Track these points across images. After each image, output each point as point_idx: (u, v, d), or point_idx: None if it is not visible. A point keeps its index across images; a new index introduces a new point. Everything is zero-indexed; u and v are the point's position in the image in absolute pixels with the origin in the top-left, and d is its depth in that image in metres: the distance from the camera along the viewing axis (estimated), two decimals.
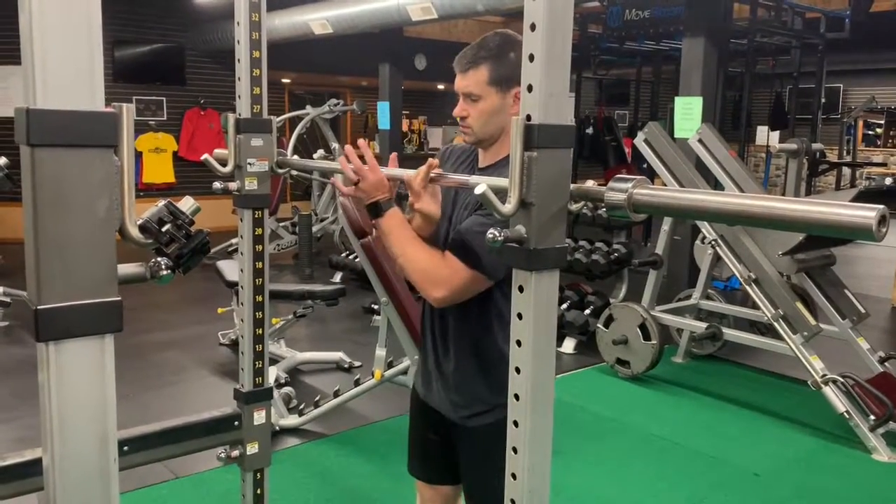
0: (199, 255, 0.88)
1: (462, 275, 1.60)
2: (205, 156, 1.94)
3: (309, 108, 7.67)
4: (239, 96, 2.00)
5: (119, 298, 0.81)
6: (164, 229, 0.87)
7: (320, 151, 8.37)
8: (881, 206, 0.82)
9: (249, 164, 1.98)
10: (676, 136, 5.24)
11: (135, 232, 0.82)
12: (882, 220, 0.83)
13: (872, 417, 3.55)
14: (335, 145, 7.52)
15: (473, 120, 1.64)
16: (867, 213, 0.84)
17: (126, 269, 0.84)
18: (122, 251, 0.91)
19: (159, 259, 0.84)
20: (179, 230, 0.87)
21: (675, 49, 8.08)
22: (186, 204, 0.90)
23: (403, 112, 10.81)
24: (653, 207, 1.11)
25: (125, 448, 1.91)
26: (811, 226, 0.93)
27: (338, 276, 6.76)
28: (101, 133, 0.79)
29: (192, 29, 9.37)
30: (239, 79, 1.99)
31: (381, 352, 3.38)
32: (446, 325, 1.77)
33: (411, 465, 2.03)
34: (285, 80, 11.12)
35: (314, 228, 7.64)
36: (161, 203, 0.89)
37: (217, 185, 1.96)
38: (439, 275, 1.61)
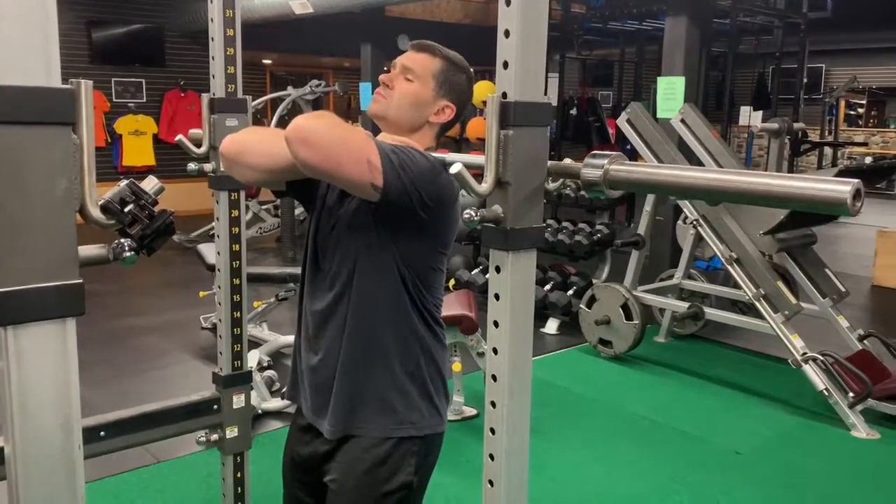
0: (164, 235, 0.85)
1: (369, 147, 1.33)
2: (179, 136, 1.91)
3: (290, 90, 7.59)
4: (213, 75, 1.96)
5: (80, 281, 0.79)
6: (126, 210, 0.84)
7: None
8: (856, 181, 0.82)
9: None
10: (659, 116, 5.23)
11: (96, 212, 0.80)
12: (857, 195, 0.82)
13: (851, 395, 3.58)
14: None
15: (396, 94, 1.52)
16: (842, 188, 0.83)
17: (87, 250, 0.82)
18: (91, 234, 0.88)
19: (122, 240, 0.82)
20: (142, 210, 0.84)
21: (659, 29, 8.06)
22: (150, 184, 0.87)
23: None
24: (629, 183, 1.10)
25: (102, 433, 1.90)
26: (787, 200, 0.92)
27: None
28: (58, 110, 0.76)
29: (171, 9, 9.22)
30: (213, 58, 1.96)
31: None
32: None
33: None
34: (266, 62, 11.00)
35: (297, 211, 7.59)
36: (123, 183, 0.86)
37: (192, 166, 1.93)
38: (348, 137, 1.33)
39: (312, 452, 1.57)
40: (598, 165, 1.08)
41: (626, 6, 8.04)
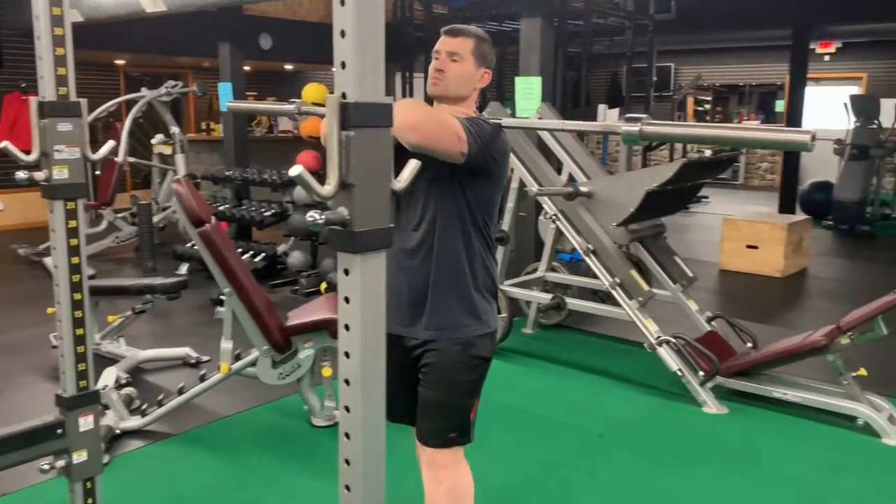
0: None
1: (456, 125, 1.89)
2: (3, 143, 1.76)
3: (144, 91, 7.23)
4: (41, 77, 1.83)
5: None
6: None
7: (159, 136, 7.93)
8: (813, 131, 1.59)
9: (57, 151, 1.82)
10: (518, 115, 5.37)
11: None
12: (813, 138, 1.56)
13: (702, 373, 3.83)
14: (175, 129, 7.12)
15: (451, 75, 2.02)
16: (804, 135, 1.55)
17: None
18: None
19: None
20: None
21: (518, 30, 8.28)
22: None
23: (250, 93, 10.41)
24: (657, 136, 1.88)
25: None
26: (768, 145, 1.35)
27: (184, 268, 6.44)
28: None
29: (7, 5, 8.54)
30: (40, 58, 1.82)
31: (226, 344, 3.26)
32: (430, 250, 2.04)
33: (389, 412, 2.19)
34: (119, 62, 10.41)
35: (155, 218, 7.24)
36: None
37: (21, 174, 1.79)
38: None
39: (404, 350, 2.08)
40: (635, 125, 1.76)
41: (486, 7, 8.20)
